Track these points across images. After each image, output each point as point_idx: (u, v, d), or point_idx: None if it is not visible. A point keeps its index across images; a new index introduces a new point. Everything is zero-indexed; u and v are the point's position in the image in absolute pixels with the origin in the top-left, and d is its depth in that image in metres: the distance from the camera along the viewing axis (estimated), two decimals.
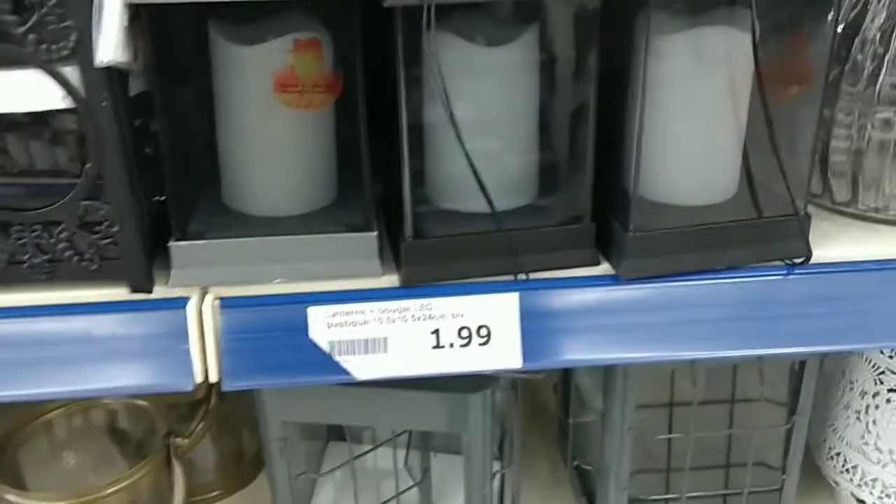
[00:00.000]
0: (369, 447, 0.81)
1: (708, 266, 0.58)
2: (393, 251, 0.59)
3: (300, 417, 0.72)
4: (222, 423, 0.81)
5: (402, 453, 0.79)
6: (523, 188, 0.61)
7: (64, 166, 0.54)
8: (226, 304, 0.57)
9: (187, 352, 0.56)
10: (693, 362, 0.71)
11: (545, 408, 0.99)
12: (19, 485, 0.72)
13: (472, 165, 0.53)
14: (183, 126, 0.54)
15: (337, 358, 0.57)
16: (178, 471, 0.70)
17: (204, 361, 0.57)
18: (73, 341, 0.56)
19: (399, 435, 0.77)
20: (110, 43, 0.48)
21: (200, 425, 0.74)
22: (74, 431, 0.75)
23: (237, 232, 0.57)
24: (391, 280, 0.58)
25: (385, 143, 0.58)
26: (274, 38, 0.53)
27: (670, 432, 0.81)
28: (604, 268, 0.59)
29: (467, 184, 0.56)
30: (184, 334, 0.56)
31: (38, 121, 0.53)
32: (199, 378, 0.57)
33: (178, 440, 0.70)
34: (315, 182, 0.59)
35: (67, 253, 0.55)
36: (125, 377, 0.57)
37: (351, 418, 0.73)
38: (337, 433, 0.89)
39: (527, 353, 0.58)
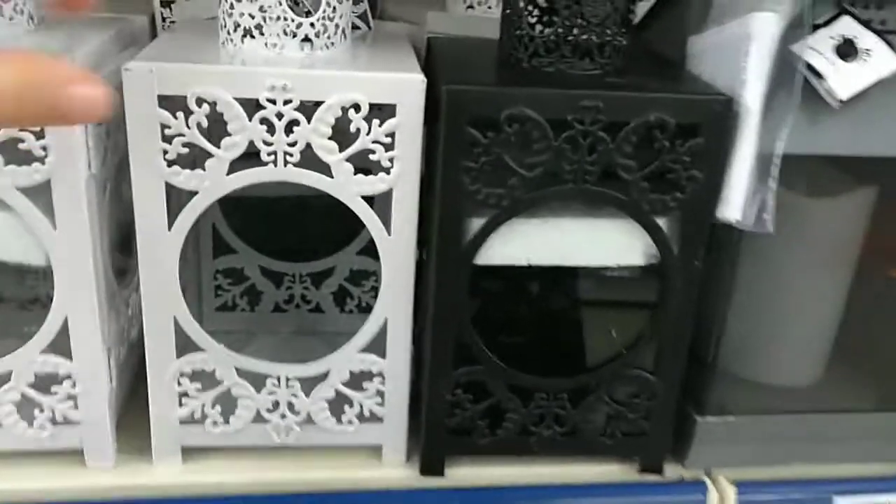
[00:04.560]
0: None
1: None
2: None
3: None
4: None
5: None
6: None
7: (600, 331, 0.46)
8: (743, 489, 0.48)
9: None
10: None
11: None
12: None
13: None
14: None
15: None
16: None
17: None
18: None
19: None
20: (738, 199, 0.41)
21: None
22: None
23: (761, 407, 0.49)
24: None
25: None
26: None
27: None
28: None
29: None
30: None
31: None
32: None
33: None
34: (826, 350, 0.52)
35: (587, 426, 0.46)
36: None
37: None
38: None
39: None
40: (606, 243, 0.43)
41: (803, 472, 0.49)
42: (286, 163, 0.40)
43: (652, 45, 0.50)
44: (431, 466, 0.47)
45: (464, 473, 0.47)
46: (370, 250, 0.57)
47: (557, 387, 0.45)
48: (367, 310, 0.58)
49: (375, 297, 0.58)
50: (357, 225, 0.56)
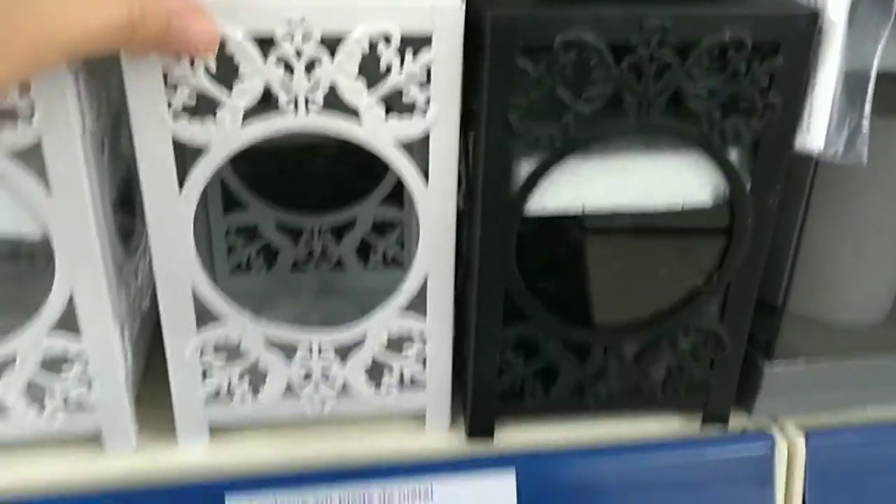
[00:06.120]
0: None
1: None
2: None
3: None
4: None
5: None
6: None
7: (662, 279, 0.42)
8: (813, 437, 0.45)
9: (770, 497, 0.44)
10: None
11: None
12: None
13: None
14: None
15: None
16: None
17: None
18: (636, 487, 0.44)
19: None
20: (820, 127, 0.36)
21: None
22: None
23: (831, 348, 0.45)
24: None
25: None
26: None
27: None
28: None
29: None
30: (767, 477, 0.44)
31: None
32: None
33: None
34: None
35: (646, 380, 0.43)
36: None
37: None
38: None
39: None
40: (671, 182, 0.38)
41: (876, 416, 0.46)
42: (308, 109, 0.35)
43: None
44: (480, 430, 0.43)
45: (514, 436, 0.44)
46: (395, 199, 0.53)
47: (616, 341, 0.41)
48: (392, 264, 0.54)
49: (402, 249, 0.54)
50: (378, 171, 0.52)
